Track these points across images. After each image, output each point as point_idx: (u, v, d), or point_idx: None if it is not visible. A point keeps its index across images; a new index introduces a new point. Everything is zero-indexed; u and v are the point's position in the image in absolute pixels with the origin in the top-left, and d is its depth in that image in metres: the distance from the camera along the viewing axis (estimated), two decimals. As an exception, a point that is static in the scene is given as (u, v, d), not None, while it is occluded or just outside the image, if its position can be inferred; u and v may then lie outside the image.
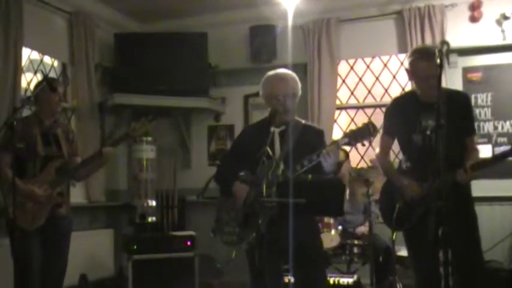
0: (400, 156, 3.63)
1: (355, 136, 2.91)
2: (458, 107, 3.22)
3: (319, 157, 2.96)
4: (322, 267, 3.49)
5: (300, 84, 3.39)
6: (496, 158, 3.15)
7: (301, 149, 3.04)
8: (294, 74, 3.37)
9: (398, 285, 4.57)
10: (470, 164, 3.14)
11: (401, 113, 3.43)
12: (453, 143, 2.92)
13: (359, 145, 2.96)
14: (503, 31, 5.60)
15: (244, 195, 3.21)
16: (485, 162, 3.15)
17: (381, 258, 4.70)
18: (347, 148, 5.28)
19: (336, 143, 2.98)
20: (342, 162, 5.13)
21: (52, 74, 5.79)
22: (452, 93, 3.27)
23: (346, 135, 2.95)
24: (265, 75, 3.40)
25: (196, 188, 6.20)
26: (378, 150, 3.64)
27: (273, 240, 2.89)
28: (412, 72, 3.29)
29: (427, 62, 3.17)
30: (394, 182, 3.46)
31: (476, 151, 3.34)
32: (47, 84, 3.63)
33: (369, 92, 6.41)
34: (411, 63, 3.28)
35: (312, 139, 3.05)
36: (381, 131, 3.50)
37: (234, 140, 3.74)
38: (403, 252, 4.27)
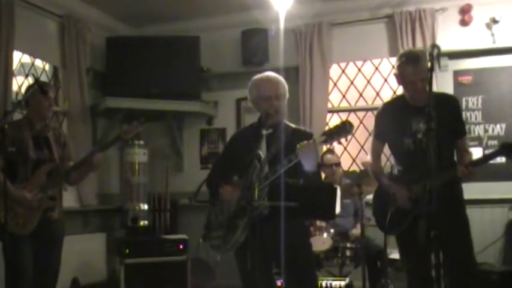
0: (392, 159, 3.65)
1: (332, 134, 2.93)
2: (448, 110, 3.24)
3: (297, 156, 2.98)
4: (312, 270, 3.49)
5: (287, 87, 3.40)
6: (493, 155, 3.17)
7: (288, 153, 3.04)
8: (280, 76, 3.39)
9: (390, 288, 4.59)
10: (470, 160, 3.17)
11: (392, 117, 3.45)
12: (444, 146, 2.94)
13: (336, 143, 2.99)
14: (493, 35, 5.64)
15: (231, 197, 3.21)
16: (486, 157, 3.17)
17: (378, 264, 4.71)
18: (338, 152, 5.33)
19: (313, 141, 3.00)
20: (339, 164, 5.15)
21: (43, 78, 5.77)
22: (441, 96, 3.30)
23: (323, 133, 2.97)
24: (252, 79, 3.41)
25: (189, 191, 6.11)
26: (368, 157, 3.66)
27: (263, 243, 2.89)
28: (400, 76, 3.31)
29: (413, 66, 3.20)
30: (385, 187, 3.47)
31: (468, 152, 3.37)
32: (38, 87, 3.61)
33: (361, 95, 6.43)
34: (398, 67, 3.31)
35: (300, 142, 3.06)
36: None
37: (225, 144, 3.75)
38: (395, 255, 4.29)
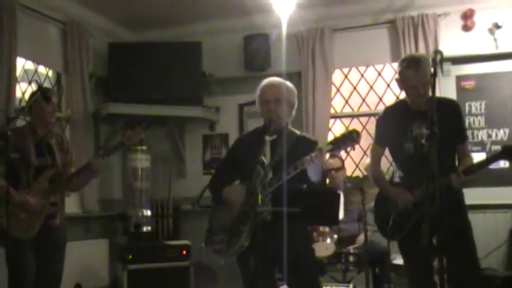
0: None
1: (338, 143, 2.93)
2: (449, 115, 3.24)
3: (304, 164, 2.97)
4: (315, 276, 3.48)
5: (295, 94, 3.38)
6: (488, 161, 3.17)
7: (293, 159, 3.04)
8: (289, 83, 3.37)
9: (393, 294, 4.58)
10: (463, 168, 3.16)
11: (393, 122, 3.44)
12: (445, 151, 2.94)
13: (342, 152, 2.99)
14: (495, 40, 5.64)
15: (239, 196, 3.19)
16: (477, 165, 3.16)
17: (377, 270, 4.70)
18: (342, 156, 5.31)
19: (319, 150, 2.99)
20: (340, 168, 5.13)
21: (47, 84, 5.79)
22: (442, 101, 3.29)
23: (329, 142, 2.97)
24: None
25: (191, 197, 6.18)
26: (368, 160, 3.65)
27: (266, 248, 2.88)
28: (402, 81, 3.31)
29: (415, 70, 3.20)
30: (385, 192, 3.47)
31: (469, 157, 3.36)
32: (41, 94, 3.62)
33: (363, 100, 6.43)
34: (400, 73, 3.31)
35: (305, 150, 3.05)
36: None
37: (229, 148, 3.74)
38: (398, 260, 4.28)
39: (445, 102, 3.38)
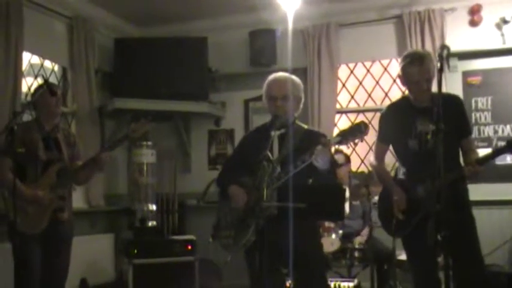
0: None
1: (346, 135, 2.92)
2: (453, 110, 3.23)
3: (311, 157, 2.97)
4: (322, 272, 3.48)
5: (302, 88, 3.39)
6: (494, 154, 3.15)
7: (301, 153, 3.04)
8: (294, 77, 3.38)
9: (398, 289, 4.57)
10: (476, 158, 3.15)
11: (396, 118, 3.44)
12: (449, 146, 2.93)
13: (351, 144, 2.98)
14: (502, 35, 5.61)
15: (240, 198, 3.21)
16: (490, 155, 3.15)
17: (385, 267, 4.69)
18: (347, 151, 5.30)
19: (327, 142, 2.99)
20: (342, 165, 5.12)
21: (52, 79, 5.80)
22: (445, 97, 3.27)
23: (338, 134, 2.97)
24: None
25: (196, 192, 6.21)
26: (372, 157, 3.64)
27: (273, 244, 2.88)
28: (404, 77, 3.31)
29: (417, 67, 3.21)
30: (389, 188, 3.46)
31: (474, 152, 3.34)
32: (48, 89, 3.63)
33: (369, 95, 6.42)
34: (402, 68, 3.31)
35: (313, 143, 3.05)
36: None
37: (237, 144, 3.76)
38: (403, 256, 4.27)
39: (448, 98, 3.36)
